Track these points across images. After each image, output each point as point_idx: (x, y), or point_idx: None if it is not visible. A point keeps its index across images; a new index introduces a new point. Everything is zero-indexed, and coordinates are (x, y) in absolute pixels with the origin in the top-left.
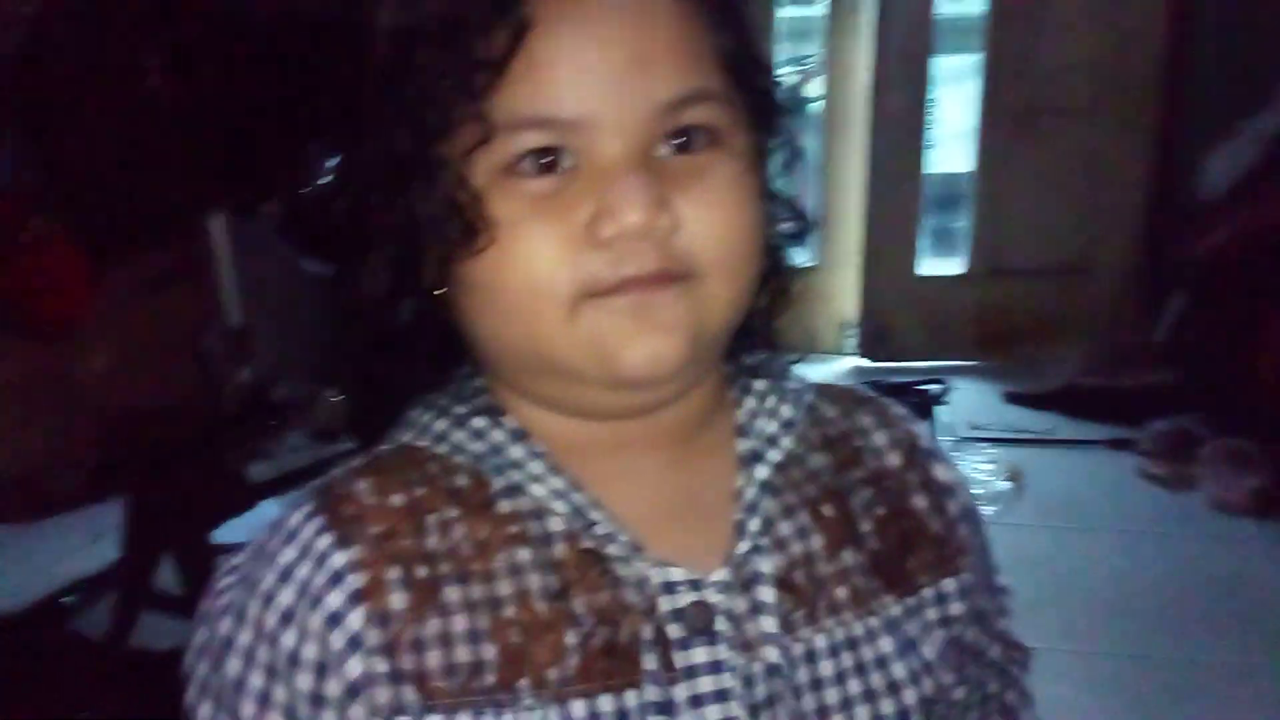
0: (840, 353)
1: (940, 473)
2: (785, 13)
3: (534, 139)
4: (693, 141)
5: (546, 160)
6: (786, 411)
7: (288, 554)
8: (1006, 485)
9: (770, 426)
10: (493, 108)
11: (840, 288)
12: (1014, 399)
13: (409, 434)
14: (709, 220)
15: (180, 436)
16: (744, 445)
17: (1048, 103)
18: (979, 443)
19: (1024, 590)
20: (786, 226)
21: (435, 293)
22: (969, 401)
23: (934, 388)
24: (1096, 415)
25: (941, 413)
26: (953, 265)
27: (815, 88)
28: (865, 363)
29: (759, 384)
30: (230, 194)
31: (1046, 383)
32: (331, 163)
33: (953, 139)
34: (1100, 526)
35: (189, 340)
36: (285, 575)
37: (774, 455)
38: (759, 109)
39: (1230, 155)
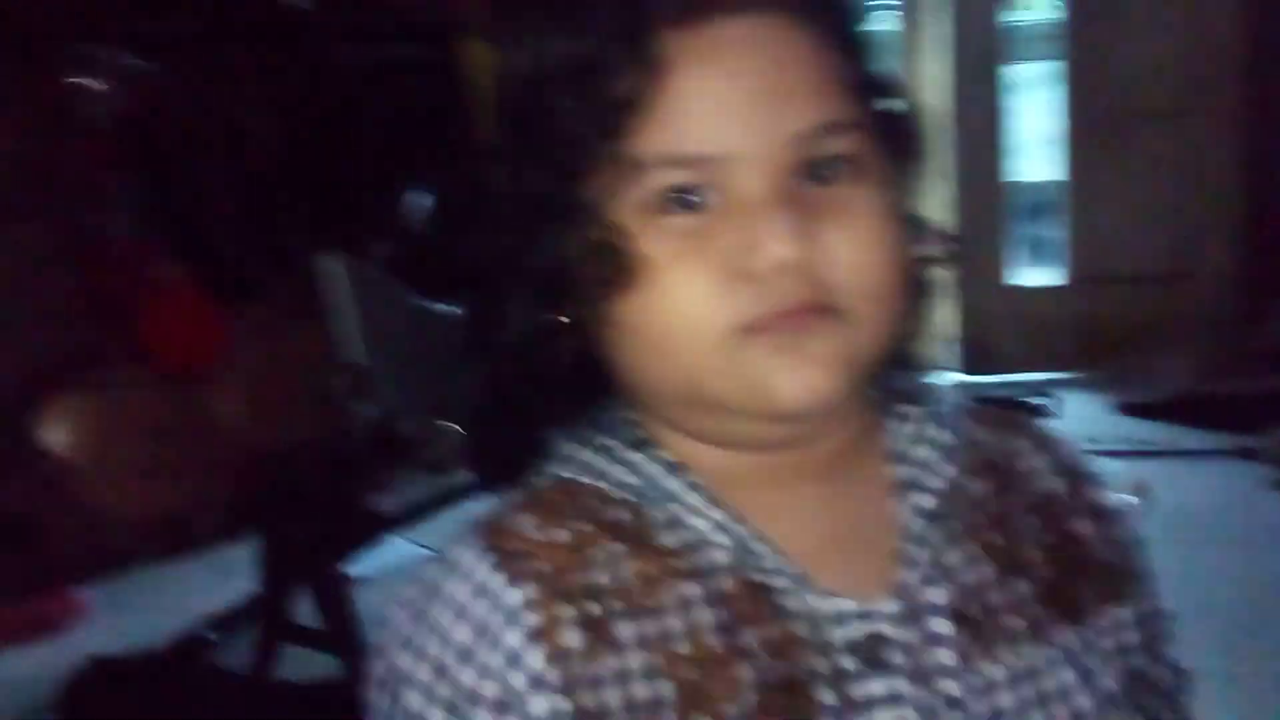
0: (940, 368)
1: (1102, 497)
2: None
3: (675, 176)
4: (832, 172)
5: (690, 197)
6: (942, 436)
7: (461, 592)
8: (1132, 500)
9: (927, 453)
10: (631, 147)
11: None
12: (1127, 409)
13: (563, 468)
14: (854, 251)
15: (309, 473)
16: (900, 472)
17: (1132, 107)
18: (1098, 456)
19: None
20: (928, 249)
21: (583, 331)
22: (1080, 414)
23: (1043, 401)
24: (1213, 423)
25: (1055, 426)
26: (1049, 275)
27: None
28: (967, 377)
29: (909, 409)
30: (344, 236)
31: (1157, 392)
32: (428, 203)
33: (1038, 146)
34: (1230, 538)
35: (314, 380)
36: (460, 613)
37: (935, 482)
38: (894, 134)
39: None
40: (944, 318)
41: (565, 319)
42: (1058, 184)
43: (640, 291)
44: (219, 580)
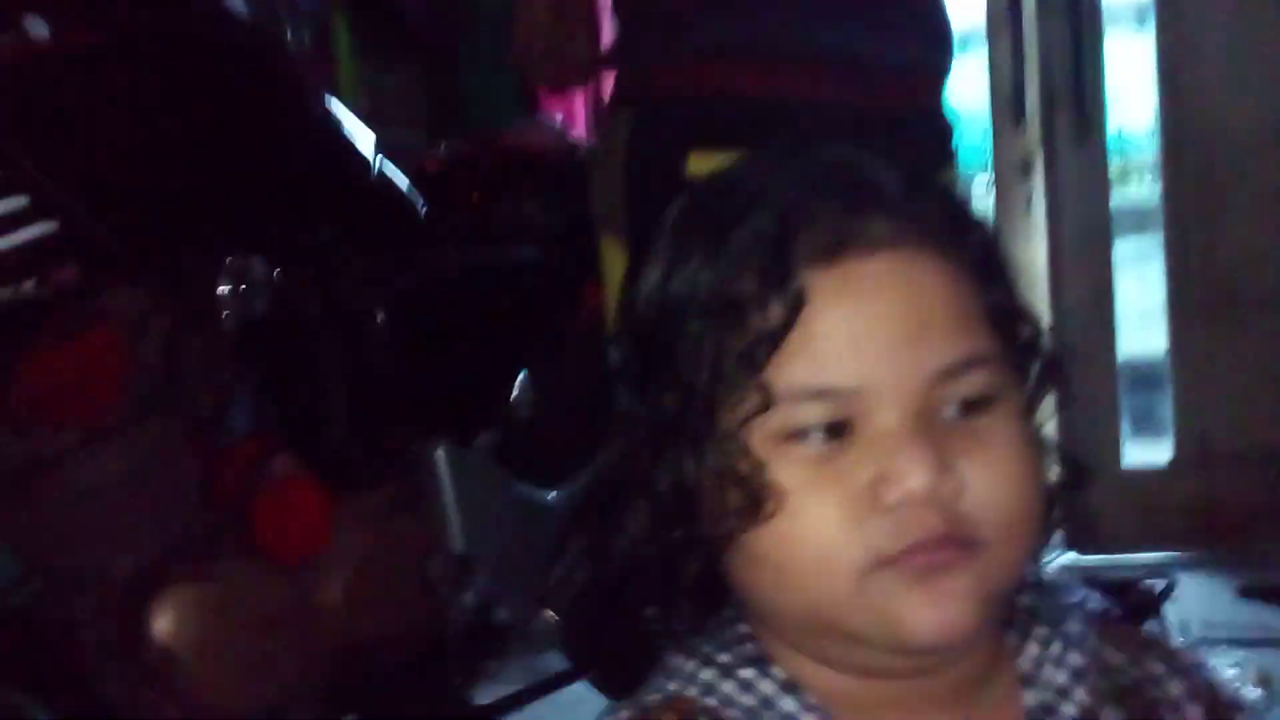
0: (1049, 547)
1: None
2: None
3: (814, 410)
4: (971, 405)
5: (821, 431)
6: (1075, 660)
7: None
8: (1257, 692)
9: (1060, 677)
10: (769, 378)
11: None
12: (1247, 594)
13: (674, 683)
14: (992, 483)
15: (409, 660)
16: (1032, 698)
17: (1239, 291)
18: (1219, 644)
19: None
20: (1060, 476)
21: (705, 552)
22: (1196, 596)
23: (1159, 583)
24: None
25: (1171, 610)
26: (1158, 451)
27: None
28: (1075, 556)
29: (1040, 629)
30: (450, 426)
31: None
32: (536, 392)
33: (1143, 320)
34: None
35: (415, 567)
36: None
37: (1068, 709)
38: (1029, 362)
39: None
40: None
41: (688, 541)
42: (1165, 359)
43: (771, 520)
44: None
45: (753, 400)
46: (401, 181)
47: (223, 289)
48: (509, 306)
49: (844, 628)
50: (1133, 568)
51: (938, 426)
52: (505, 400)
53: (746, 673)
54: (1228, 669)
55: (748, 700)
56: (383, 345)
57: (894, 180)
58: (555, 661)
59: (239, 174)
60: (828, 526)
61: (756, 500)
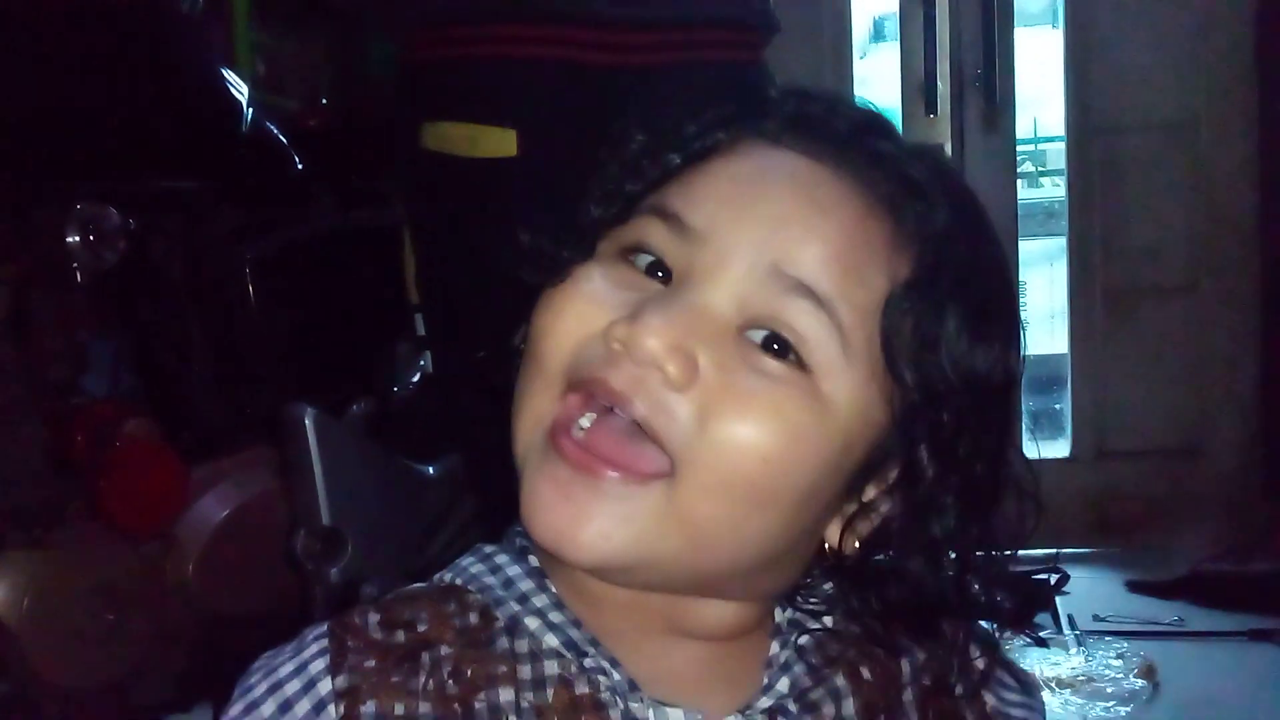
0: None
1: (983, 656)
2: None
3: (654, 232)
4: (782, 347)
5: (651, 265)
6: (826, 587)
7: (286, 667)
8: (1139, 683)
9: (812, 605)
10: (644, 198)
11: None
12: (1137, 588)
13: (449, 574)
14: (725, 421)
15: (269, 642)
16: (781, 615)
17: (1143, 282)
18: (1106, 636)
19: None
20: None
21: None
22: (1088, 591)
23: (1051, 576)
24: (1229, 604)
25: (1061, 603)
26: (1057, 448)
27: None
28: None
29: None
30: (320, 393)
31: (1170, 570)
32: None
33: (1046, 320)
34: None
35: (279, 540)
36: (275, 686)
37: (813, 624)
38: (912, 404)
39: None
40: None
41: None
42: (1063, 357)
43: (549, 291)
44: None
45: (616, 205)
46: (277, 138)
47: (72, 239)
48: (384, 272)
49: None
50: (1026, 561)
51: (724, 331)
52: (381, 370)
53: (502, 558)
54: (1113, 660)
55: (491, 581)
56: (249, 303)
57: (862, 117)
58: None
59: (88, 114)
60: (563, 316)
61: (555, 265)
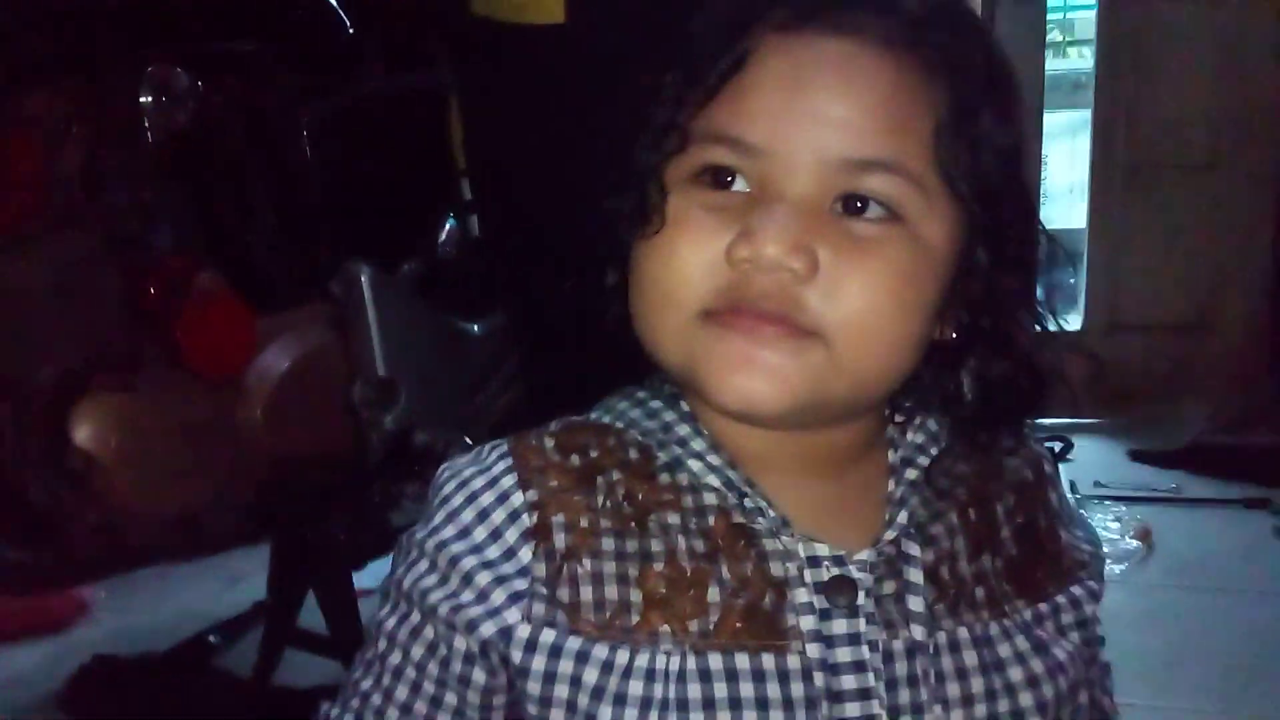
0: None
1: (1055, 500)
2: None
3: (719, 154)
4: (867, 209)
5: (725, 177)
6: (932, 425)
7: (478, 481)
8: (1134, 544)
9: (919, 438)
10: (696, 124)
11: None
12: (1139, 457)
13: (598, 413)
14: (853, 289)
15: (330, 481)
16: (894, 456)
17: (1163, 157)
18: (1105, 500)
19: (1155, 650)
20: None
21: (610, 279)
22: (1092, 459)
23: (1056, 445)
24: (1227, 474)
25: (1065, 470)
26: (1069, 322)
27: None
28: None
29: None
30: (375, 250)
31: (1172, 440)
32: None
33: (1066, 195)
34: (1234, 587)
35: (337, 389)
36: (472, 498)
37: (923, 459)
38: (974, 212)
39: None
40: None
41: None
42: (1079, 233)
43: (651, 242)
44: (228, 585)
45: (673, 140)
46: (329, 2)
47: (145, 99)
48: (432, 137)
49: (677, 371)
50: (1034, 428)
51: (826, 217)
52: (431, 231)
53: (656, 404)
54: (1110, 522)
55: (650, 425)
56: (307, 162)
57: None
58: None
59: None
60: (682, 256)
61: (645, 213)
